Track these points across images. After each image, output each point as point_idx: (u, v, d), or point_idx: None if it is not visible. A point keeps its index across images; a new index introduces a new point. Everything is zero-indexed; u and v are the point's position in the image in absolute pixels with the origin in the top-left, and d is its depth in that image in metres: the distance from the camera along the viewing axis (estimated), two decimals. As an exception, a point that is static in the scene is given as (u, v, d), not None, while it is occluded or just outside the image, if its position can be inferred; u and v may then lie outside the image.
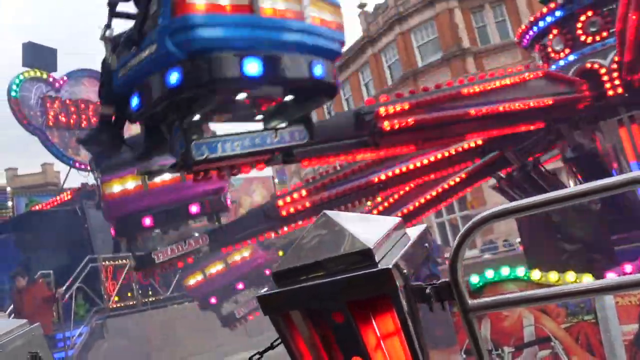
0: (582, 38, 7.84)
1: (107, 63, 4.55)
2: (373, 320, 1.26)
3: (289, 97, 4.59)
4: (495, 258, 12.79)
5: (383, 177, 7.89)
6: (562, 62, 8.03)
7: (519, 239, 13.50)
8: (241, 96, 4.38)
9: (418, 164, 7.87)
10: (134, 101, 4.25)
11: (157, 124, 4.43)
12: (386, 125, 5.51)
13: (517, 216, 1.17)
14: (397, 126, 5.59)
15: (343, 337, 1.25)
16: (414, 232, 1.39)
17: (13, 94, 14.87)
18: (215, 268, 10.33)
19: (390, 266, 1.15)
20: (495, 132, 7.12)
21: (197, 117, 4.43)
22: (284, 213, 6.71)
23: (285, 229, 7.90)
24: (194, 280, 10.35)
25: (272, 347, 1.79)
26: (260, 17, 3.95)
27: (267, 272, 9.47)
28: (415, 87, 23.92)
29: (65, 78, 16.15)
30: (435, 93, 6.15)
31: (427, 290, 1.26)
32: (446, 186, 8.94)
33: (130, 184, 6.30)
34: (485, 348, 1.27)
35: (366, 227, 1.33)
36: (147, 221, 6.27)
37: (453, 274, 1.23)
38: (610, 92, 7.36)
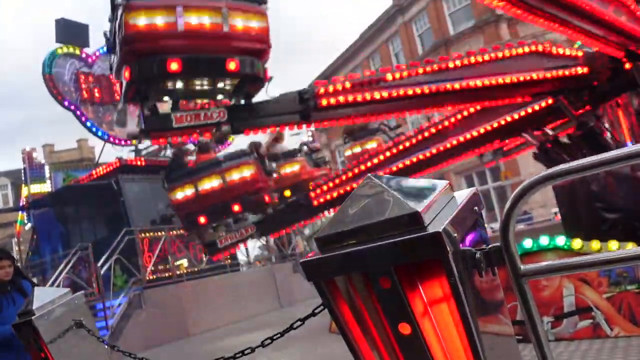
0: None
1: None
2: (420, 287, 1.22)
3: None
4: (531, 229, 12.59)
5: (414, 159, 9.29)
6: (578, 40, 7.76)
7: (555, 210, 13.25)
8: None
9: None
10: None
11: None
12: (323, 102, 6.59)
13: (577, 176, 1.11)
14: (332, 102, 6.60)
15: (389, 303, 1.22)
16: (462, 195, 1.33)
17: (47, 70, 15.10)
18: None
19: (440, 230, 1.11)
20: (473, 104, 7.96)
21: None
22: (323, 102, 6.67)
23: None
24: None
25: (314, 314, 1.78)
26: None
27: (267, 198, 9.48)
28: (447, 55, 23.43)
29: (97, 53, 16.29)
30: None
31: (477, 255, 1.21)
32: (476, 133, 8.85)
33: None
34: (539, 315, 1.22)
35: (413, 190, 1.28)
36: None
37: (505, 237, 1.18)
38: (627, 66, 7.16)
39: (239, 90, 6.41)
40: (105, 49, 16.43)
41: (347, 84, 6.68)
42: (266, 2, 6.16)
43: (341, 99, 6.61)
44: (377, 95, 6.67)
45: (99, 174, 14.72)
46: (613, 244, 4.17)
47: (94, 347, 3.28)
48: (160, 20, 5.64)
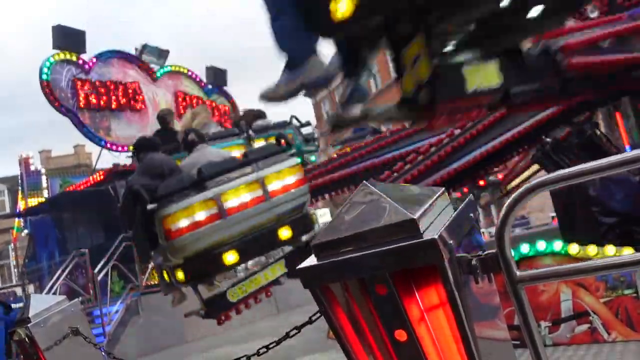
0: (620, 1, 7.54)
1: None
2: (416, 293, 1.23)
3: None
4: (528, 233, 12.60)
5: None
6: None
7: (552, 214, 13.26)
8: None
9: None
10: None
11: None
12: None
13: (572, 183, 1.11)
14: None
15: (386, 310, 1.22)
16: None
17: (44, 76, 15.08)
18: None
19: (436, 236, 1.11)
20: None
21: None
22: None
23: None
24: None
25: (310, 321, 1.78)
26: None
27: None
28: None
29: (94, 59, 16.30)
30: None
31: (473, 262, 1.22)
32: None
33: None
34: (534, 321, 1.22)
35: (409, 196, 1.29)
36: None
37: (500, 243, 1.19)
38: None
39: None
40: (103, 55, 16.49)
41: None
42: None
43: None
44: None
45: (96, 180, 14.70)
46: (610, 249, 4.17)
47: (91, 354, 3.27)
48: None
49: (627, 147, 7.52)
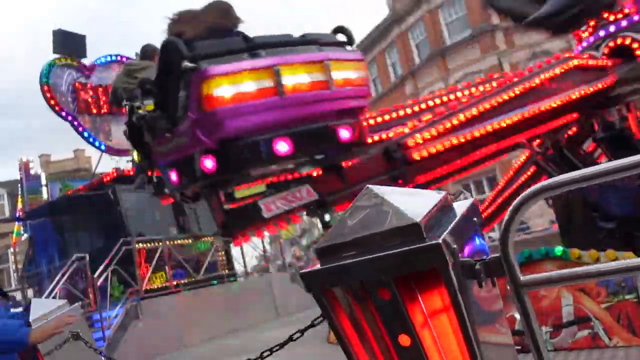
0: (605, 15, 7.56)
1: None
2: (420, 298, 1.22)
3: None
4: (528, 238, 12.59)
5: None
6: (591, 38, 7.75)
7: (551, 219, 13.25)
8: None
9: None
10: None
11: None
12: (415, 155, 5.35)
13: (573, 188, 1.11)
14: (426, 154, 5.49)
15: (389, 314, 1.22)
16: (461, 205, 1.34)
17: (45, 80, 15.10)
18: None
19: (440, 240, 1.11)
20: (533, 131, 6.96)
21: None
22: (414, 155, 5.31)
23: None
24: (232, 88, 6.31)
25: (313, 325, 1.78)
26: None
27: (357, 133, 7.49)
28: (443, 65, 23.56)
29: (95, 64, 16.33)
30: (458, 112, 6.02)
31: (477, 266, 1.22)
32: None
33: (251, 84, 4.02)
34: (538, 325, 1.22)
35: (412, 201, 1.29)
36: (284, 145, 4.14)
37: (504, 247, 1.19)
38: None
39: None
40: (103, 59, 16.51)
41: (433, 131, 5.53)
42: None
43: (432, 150, 5.49)
44: (468, 137, 5.83)
45: (96, 184, 14.69)
46: (610, 253, 4.17)
47: (91, 358, 3.26)
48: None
49: None
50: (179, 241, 13.55)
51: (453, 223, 1.23)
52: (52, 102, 15.30)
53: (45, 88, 15.15)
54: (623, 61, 7.26)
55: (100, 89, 16.16)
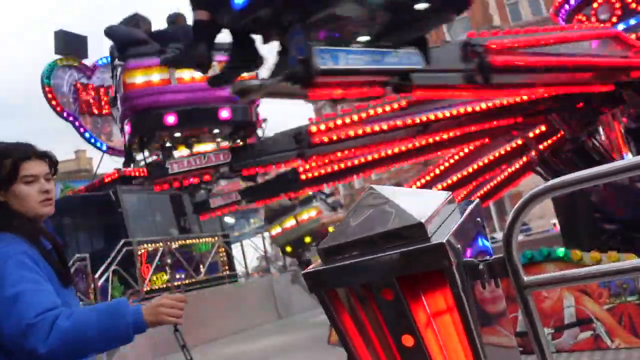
0: (633, 5, 7.44)
1: None
2: (423, 298, 1.22)
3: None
4: (530, 240, 12.59)
5: (425, 118, 7.20)
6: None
7: (553, 221, 13.24)
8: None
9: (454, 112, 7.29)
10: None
11: (255, 31, 4.04)
12: (498, 59, 5.02)
13: (579, 188, 1.11)
14: (325, 140, 6.52)
15: (392, 314, 1.21)
16: (465, 206, 1.33)
17: (46, 81, 15.12)
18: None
19: (444, 241, 1.11)
20: (569, 89, 6.64)
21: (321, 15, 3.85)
22: (316, 140, 6.44)
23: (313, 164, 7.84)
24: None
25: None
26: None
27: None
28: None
29: (96, 64, 16.34)
30: (539, 35, 5.85)
31: (480, 267, 1.21)
32: (486, 160, 8.77)
33: (156, 76, 6.00)
34: (542, 326, 1.21)
35: (416, 201, 1.28)
36: (171, 119, 5.89)
37: (508, 248, 1.18)
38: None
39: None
40: (104, 60, 16.52)
41: (339, 121, 6.75)
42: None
43: (334, 136, 6.72)
44: (367, 129, 6.77)
45: (97, 185, 14.70)
46: (612, 255, 4.16)
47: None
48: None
49: (625, 154, 7.48)
50: (179, 242, 13.56)
51: (457, 223, 1.22)
52: (54, 102, 15.32)
53: (47, 89, 15.17)
54: None
55: (102, 90, 16.17)
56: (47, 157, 1.94)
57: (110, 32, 6.83)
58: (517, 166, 8.92)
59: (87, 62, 16.36)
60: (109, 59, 7.21)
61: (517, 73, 5.44)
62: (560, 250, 4.36)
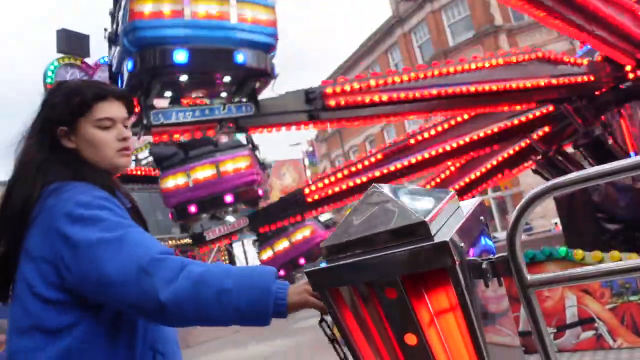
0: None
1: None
2: (426, 297, 1.22)
3: (226, 79, 6.06)
4: (531, 239, 12.58)
5: (406, 163, 9.07)
6: (589, 45, 7.79)
7: (554, 220, 13.24)
8: (182, 78, 5.88)
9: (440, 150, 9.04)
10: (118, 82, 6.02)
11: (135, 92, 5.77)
12: (331, 102, 6.50)
13: (582, 186, 1.10)
14: (342, 103, 6.61)
15: (395, 313, 1.21)
16: (468, 205, 1.33)
17: (48, 80, 15.13)
18: (204, 173, 9.96)
19: (447, 239, 1.10)
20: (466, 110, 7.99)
21: (166, 94, 6.01)
22: (330, 103, 6.55)
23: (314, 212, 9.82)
24: (173, 182, 9.64)
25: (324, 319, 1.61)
26: (192, 19, 5.49)
27: (260, 191, 9.80)
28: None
29: (98, 63, 16.34)
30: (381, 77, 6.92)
31: (484, 265, 1.21)
32: (485, 168, 8.95)
33: (180, 179, 7.95)
34: (545, 326, 1.21)
35: (419, 199, 1.28)
36: (193, 209, 7.86)
37: (511, 247, 1.18)
38: (631, 75, 7.22)
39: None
40: (105, 58, 16.52)
41: (356, 85, 6.61)
42: None
43: (349, 99, 6.58)
44: (384, 98, 6.70)
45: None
46: (614, 254, 4.16)
47: None
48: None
49: (632, 153, 7.54)
50: (181, 241, 13.59)
51: (460, 222, 1.22)
52: (56, 101, 15.33)
53: (49, 87, 15.19)
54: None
55: (104, 89, 16.17)
56: (126, 99, 1.62)
57: None
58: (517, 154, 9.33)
59: (89, 61, 16.36)
60: None
61: (361, 108, 6.82)
62: (562, 250, 4.35)
